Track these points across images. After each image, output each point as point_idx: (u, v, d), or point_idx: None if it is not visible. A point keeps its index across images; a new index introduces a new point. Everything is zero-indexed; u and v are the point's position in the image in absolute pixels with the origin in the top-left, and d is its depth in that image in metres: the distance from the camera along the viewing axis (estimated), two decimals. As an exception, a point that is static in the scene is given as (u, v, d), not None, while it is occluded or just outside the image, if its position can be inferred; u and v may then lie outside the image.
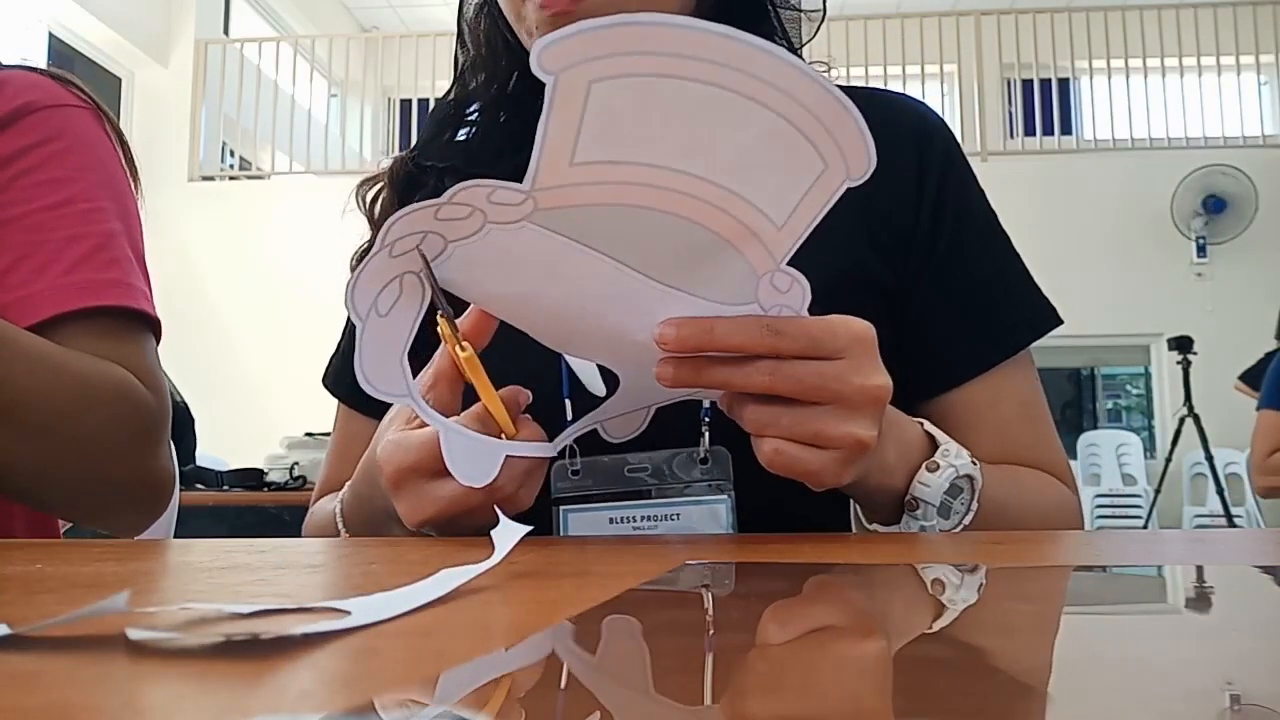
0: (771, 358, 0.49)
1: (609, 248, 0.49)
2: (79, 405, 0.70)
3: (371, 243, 0.79)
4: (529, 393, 0.58)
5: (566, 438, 0.59)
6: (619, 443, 0.63)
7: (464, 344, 0.53)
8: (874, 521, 0.62)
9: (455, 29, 0.83)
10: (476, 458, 0.53)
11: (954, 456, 0.60)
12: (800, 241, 0.48)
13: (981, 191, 0.78)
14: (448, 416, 0.54)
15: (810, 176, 0.46)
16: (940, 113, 0.82)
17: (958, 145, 0.79)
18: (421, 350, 0.61)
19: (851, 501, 0.65)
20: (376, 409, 0.80)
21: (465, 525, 0.55)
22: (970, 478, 0.60)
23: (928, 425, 0.62)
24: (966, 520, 0.61)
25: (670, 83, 0.43)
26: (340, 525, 0.67)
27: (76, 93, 0.84)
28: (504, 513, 0.48)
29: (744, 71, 0.43)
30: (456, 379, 0.56)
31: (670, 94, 0.43)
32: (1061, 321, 0.75)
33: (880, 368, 0.52)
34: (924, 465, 0.60)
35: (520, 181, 0.46)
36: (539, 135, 0.45)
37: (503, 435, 0.55)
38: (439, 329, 0.53)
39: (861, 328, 0.51)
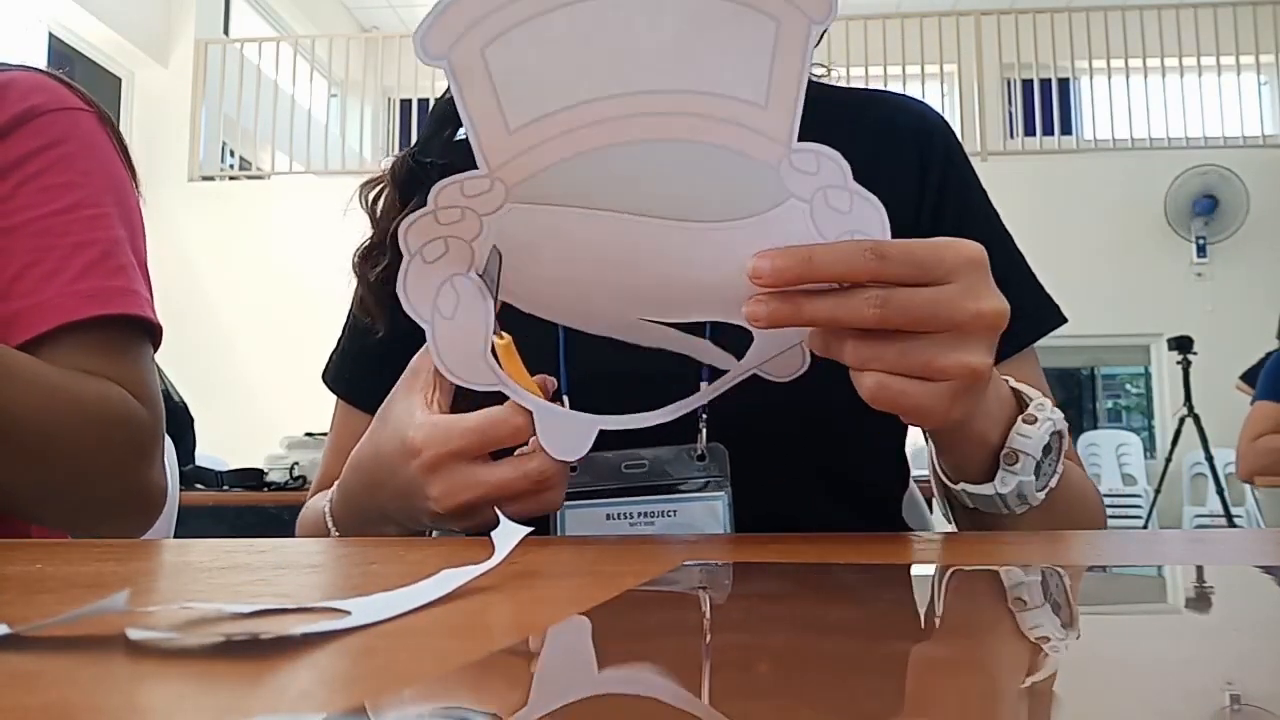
0: (875, 285, 0.45)
1: (611, 202, 0.47)
2: (72, 426, 0.70)
3: (373, 241, 0.79)
4: (555, 381, 0.57)
5: (707, 395, 0.57)
6: (648, 426, 0.58)
7: (501, 332, 0.53)
8: (961, 481, 0.58)
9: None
10: (571, 433, 0.54)
11: (1049, 410, 0.57)
12: (798, 114, 0.45)
13: (983, 190, 0.78)
14: (453, 392, 0.55)
15: (766, 40, 0.43)
16: (940, 113, 0.82)
17: (959, 144, 0.79)
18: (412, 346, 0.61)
19: (932, 462, 0.61)
20: (375, 405, 0.80)
21: (489, 517, 0.55)
22: (1060, 434, 0.57)
23: (1012, 381, 0.59)
24: (1052, 484, 0.57)
25: (558, 14, 0.42)
26: (330, 524, 0.67)
27: (79, 95, 0.84)
28: (536, 510, 0.49)
29: None
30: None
31: (566, 26, 0.42)
32: (1066, 320, 0.75)
33: (995, 290, 0.48)
34: (1020, 418, 0.56)
35: None
36: (463, 119, 0.44)
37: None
38: None
39: (972, 249, 0.47)
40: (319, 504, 0.72)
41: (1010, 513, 0.57)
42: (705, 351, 0.57)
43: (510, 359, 0.53)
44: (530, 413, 0.54)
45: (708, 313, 0.53)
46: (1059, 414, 0.57)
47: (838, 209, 0.46)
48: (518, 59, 0.43)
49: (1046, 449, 0.57)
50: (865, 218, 0.47)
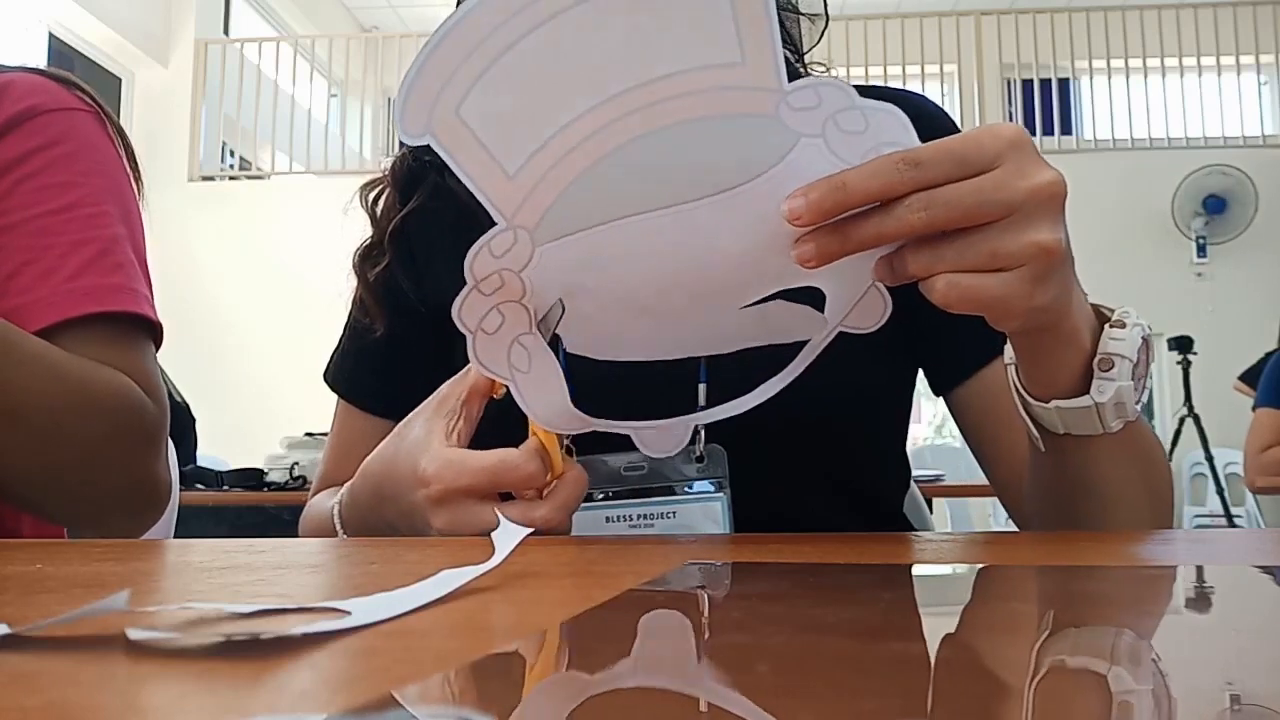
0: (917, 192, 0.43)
1: (629, 206, 0.47)
2: (80, 410, 0.70)
3: (374, 241, 0.79)
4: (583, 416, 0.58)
5: (803, 361, 0.56)
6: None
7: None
8: (1054, 398, 0.54)
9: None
10: (667, 437, 0.57)
11: (1135, 316, 0.54)
12: (779, 57, 0.44)
13: None
14: (475, 430, 0.57)
15: None
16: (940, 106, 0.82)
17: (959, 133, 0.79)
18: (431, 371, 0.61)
19: (1016, 394, 0.56)
20: (378, 406, 0.81)
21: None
22: (1148, 341, 0.54)
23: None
24: (1143, 398, 0.54)
25: (511, 55, 0.42)
26: (338, 525, 0.67)
27: (79, 95, 0.83)
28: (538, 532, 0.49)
29: None
30: (487, 394, 0.57)
31: (522, 62, 0.42)
32: None
33: (1044, 164, 0.46)
34: (1108, 324, 0.53)
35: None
36: (465, 182, 0.45)
37: (549, 473, 0.55)
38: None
39: (1010, 130, 0.45)
40: (326, 504, 0.72)
41: (1105, 429, 0.54)
42: (784, 323, 0.55)
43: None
44: (544, 460, 0.54)
45: (764, 280, 0.51)
46: (1145, 321, 0.54)
47: (853, 130, 0.45)
48: (491, 108, 0.44)
49: (1138, 355, 0.54)
50: (885, 128, 0.45)
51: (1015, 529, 0.78)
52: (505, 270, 0.48)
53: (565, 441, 0.56)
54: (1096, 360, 0.53)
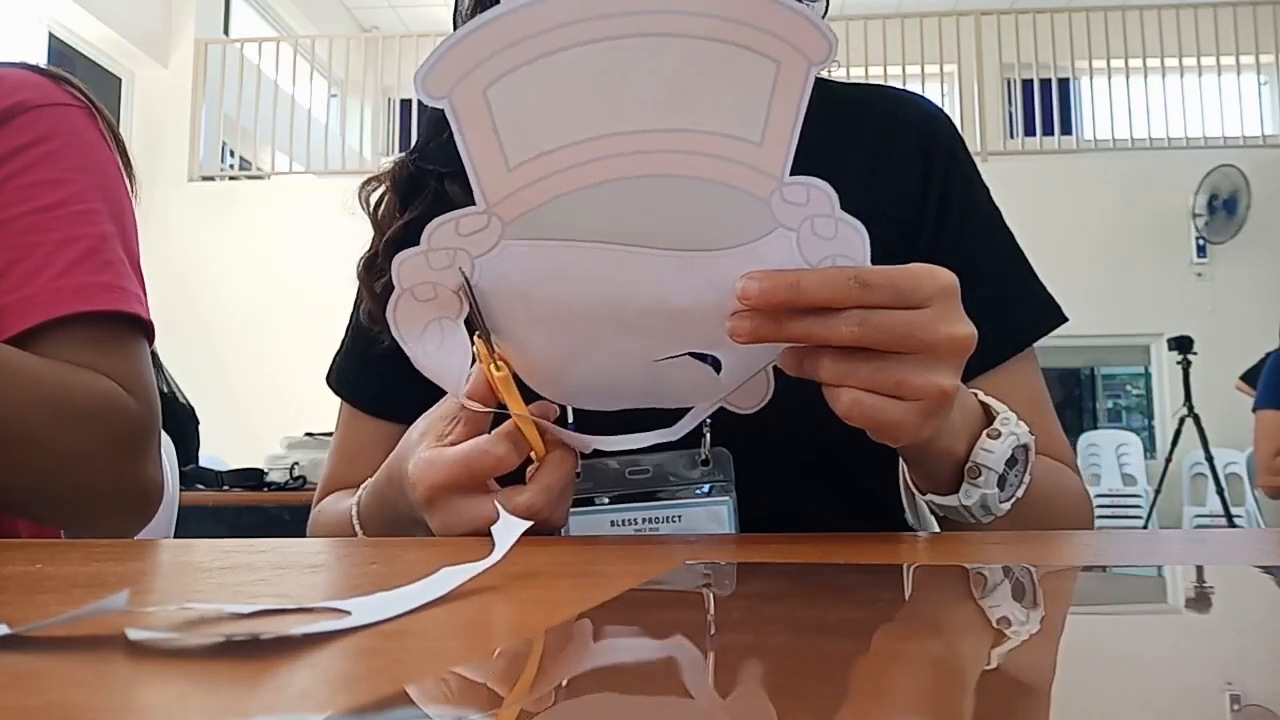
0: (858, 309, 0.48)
1: (605, 236, 0.48)
2: (57, 417, 0.70)
3: (375, 250, 0.79)
4: (556, 408, 0.58)
5: (688, 424, 0.58)
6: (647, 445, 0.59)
7: (499, 363, 0.54)
8: (929, 492, 0.61)
9: (453, 28, 0.83)
10: (581, 441, 0.57)
11: (1014, 424, 0.59)
12: (792, 150, 0.46)
13: (985, 187, 0.78)
14: (477, 432, 0.57)
15: (765, 81, 0.44)
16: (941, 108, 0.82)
17: (961, 140, 0.79)
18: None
19: (901, 476, 0.63)
20: (379, 409, 0.81)
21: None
22: (1026, 448, 0.59)
23: (981, 394, 0.61)
24: (1019, 494, 0.59)
25: (563, 56, 0.43)
26: (357, 526, 0.67)
27: (71, 91, 0.83)
28: (538, 530, 0.49)
29: (630, 13, 0.42)
30: (489, 399, 0.57)
31: (568, 66, 0.43)
32: (1066, 319, 0.75)
33: (964, 317, 0.50)
34: (985, 433, 0.58)
35: None
36: (463, 157, 0.45)
37: (532, 455, 0.56)
38: (475, 348, 0.54)
39: (946, 277, 0.50)
40: (341, 505, 0.72)
41: (977, 521, 0.59)
42: (677, 389, 0.58)
43: (509, 391, 0.54)
44: (514, 443, 0.55)
45: (691, 343, 0.54)
46: (1024, 428, 0.59)
47: (823, 236, 0.48)
48: (520, 98, 0.44)
49: (1011, 461, 0.58)
50: (848, 242, 0.49)
51: (1015, 529, 0.78)
52: (461, 251, 0.48)
53: (555, 417, 0.57)
54: (966, 468, 0.58)
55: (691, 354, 0.55)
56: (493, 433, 0.56)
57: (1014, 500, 0.59)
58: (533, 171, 0.46)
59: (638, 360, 0.54)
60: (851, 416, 0.49)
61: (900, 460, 0.62)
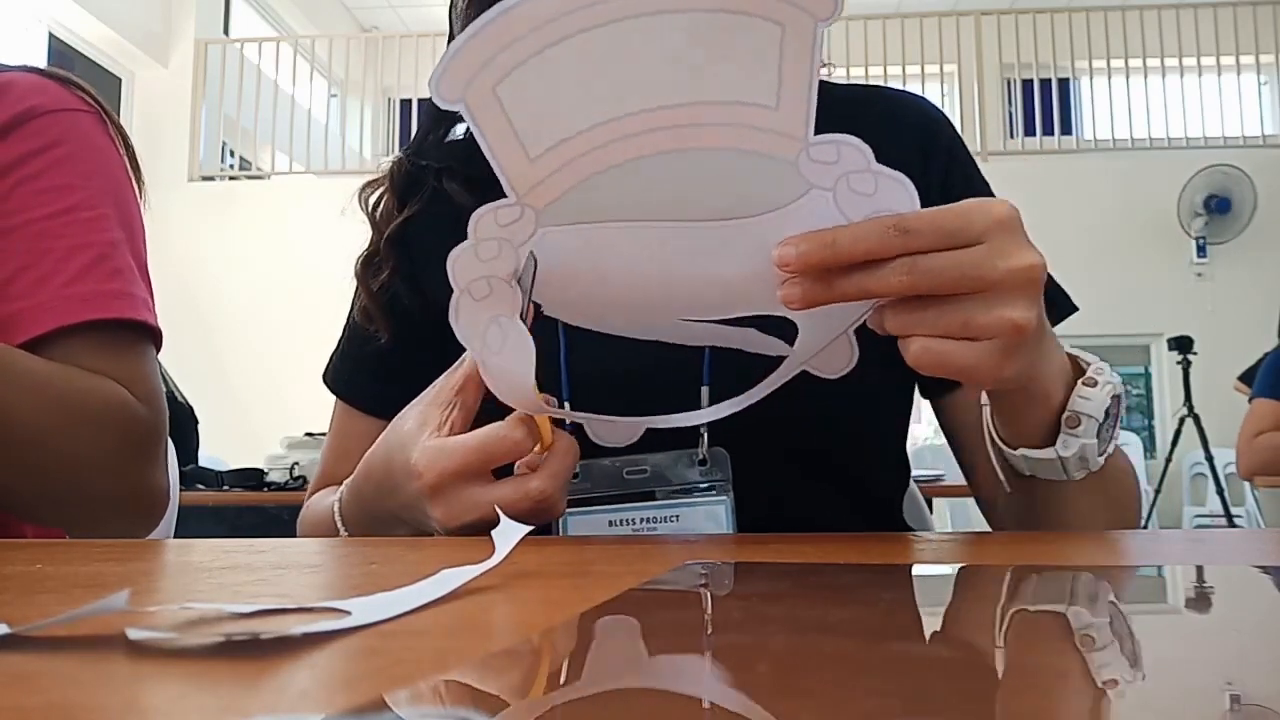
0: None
1: (637, 214, 0.48)
2: (65, 422, 0.70)
3: (374, 248, 0.79)
4: (554, 399, 0.58)
5: (763, 389, 0.57)
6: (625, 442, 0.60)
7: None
8: (1021, 446, 0.58)
9: (449, 27, 0.83)
10: (619, 430, 0.58)
11: (1108, 373, 0.57)
12: (812, 109, 0.46)
13: (985, 183, 0.78)
14: (473, 416, 0.57)
15: (773, 44, 0.44)
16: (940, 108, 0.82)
17: (960, 139, 0.79)
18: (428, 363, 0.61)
19: (987, 430, 0.60)
20: (375, 407, 0.80)
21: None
22: (1119, 399, 0.57)
23: (1067, 346, 0.59)
24: (1109, 450, 0.57)
25: (564, 46, 0.43)
26: (339, 523, 0.67)
27: (81, 95, 0.83)
28: (537, 520, 0.49)
29: None
30: (483, 383, 0.57)
31: (574, 53, 0.44)
32: (1077, 308, 0.75)
33: (1028, 246, 0.48)
34: (1080, 381, 0.56)
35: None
36: (486, 154, 0.46)
37: (539, 446, 0.56)
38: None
39: (1002, 209, 0.48)
40: (325, 502, 0.72)
41: (1068, 478, 0.57)
42: (755, 341, 0.57)
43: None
44: (529, 428, 0.55)
45: (750, 306, 0.54)
46: (1118, 378, 0.57)
47: (862, 192, 0.47)
48: (530, 92, 0.45)
49: (1107, 413, 0.56)
50: (892, 196, 0.47)
51: (1090, 499, 0.79)
52: (504, 240, 0.49)
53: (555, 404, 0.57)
54: (1064, 417, 0.56)
55: (759, 328, 0.54)
56: (507, 419, 0.55)
57: (1106, 457, 0.57)
58: (554, 160, 0.47)
59: (700, 331, 0.55)
60: (922, 364, 0.47)
61: (986, 416, 0.60)
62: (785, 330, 0.55)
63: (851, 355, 0.55)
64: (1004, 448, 0.59)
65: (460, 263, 0.50)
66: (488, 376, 0.53)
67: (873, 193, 0.47)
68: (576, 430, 0.59)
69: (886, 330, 0.48)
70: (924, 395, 0.78)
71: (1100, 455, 0.56)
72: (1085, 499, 0.60)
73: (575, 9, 0.43)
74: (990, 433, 0.60)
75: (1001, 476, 0.61)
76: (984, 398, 0.59)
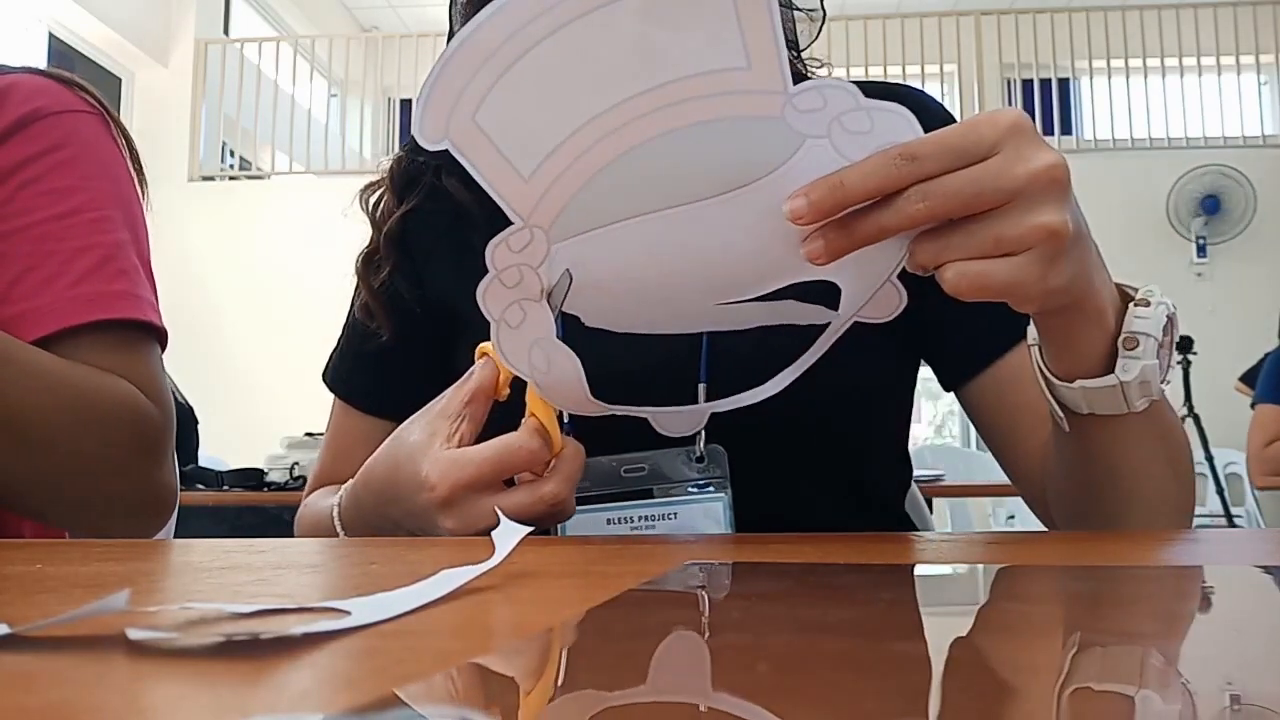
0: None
1: (639, 207, 0.48)
2: (78, 419, 0.70)
3: (374, 245, 0.79)
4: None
5: (816, 351, 0.57)
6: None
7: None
8: (1078, 377, 0.54)
9: (449, 26, 0.83)
10: (684, 420, 0.59)
11: (1159, 294, 0.54)
12: (784, 60, 0.45)
13: None
14: (480, 429, 0.57)
15: (725, 6, 0.44)
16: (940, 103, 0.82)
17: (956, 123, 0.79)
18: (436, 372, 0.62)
19: (1040, 375, 0.57)
20: (374, 407, 0.81)
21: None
22: (1172, 319, 0.54)
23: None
24: (1168, 376, 0.54)
25: (530, 57, 0.44)
26: (338, 525, 0.67)
27: (83, 97, 0.83)
28: (549, 523, 0.51)
29: None
30: (491, 395, 0.58)
31: (538, 65, 0.44)
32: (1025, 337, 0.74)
33: (1045, 147, 0.46)
34: (1132, 304, 0.54)
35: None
36: (481, 184, 0.47)
37: (551, 449, 0.56)
38: (481, 349, 0.56)
39: (1009, 116, 0.46)
40: (324, 503, 0.72)
41: (1129, 409, 0.54)
42: (796, 313, 0.56)
43: (534, 396, 0.55)
44: (545, 438, 0.55)
45: (784, 275, 0.52)
46: (1168, 298, 0.55)
47: (857, 130, 0.46)
48: (507, 113, 0.45)
49: (1164, 332, 0.54)
50: (890, 127, 0.46)
51: (1015, 529, 0.78)
52: (524, 265, 0.49)
53: (563, 417, 0.58)
54: (1121, 339, 0.53)
55: (796, 298, 0.54)
56: (522, 429, 0.56)
57: (1166, 381, 0.54)
58: (547, 174, 0.47)
59: (743, 312, 0.55)
60: (961, 290, 0.45)
61: (1036, 356, 0.57)
62: (825, 298, 0.54)
63: (900, 298, 0.54)
64: (1060, 385, 0.55)
65: (490, 295, 0.50)
66: (544, 394, 0.55)
67: (869, 129, 0.46)
68: (576, 431, 0.59)
69: (921, 266, 0.46)
70: (946, 388, 0.75)
71: (1162, 380, 0.54)
72: (1144, 435, 0.57)
73: (528, 21, 0.43)
74: (1042, 371, 0.56)
75: (1060, 417, 0.57)
76: (1031, 335, 0.56)
